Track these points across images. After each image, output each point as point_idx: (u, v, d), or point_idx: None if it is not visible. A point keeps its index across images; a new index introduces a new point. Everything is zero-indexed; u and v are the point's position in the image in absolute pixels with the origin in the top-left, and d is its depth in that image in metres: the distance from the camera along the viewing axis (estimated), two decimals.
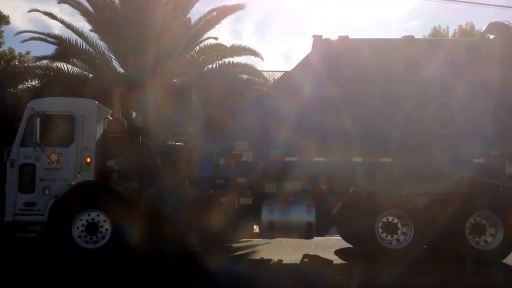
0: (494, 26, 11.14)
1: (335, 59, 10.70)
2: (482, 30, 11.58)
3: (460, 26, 30.17)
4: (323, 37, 10.88)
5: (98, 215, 10.80)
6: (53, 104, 11.37)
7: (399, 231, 10.60)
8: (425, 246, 10.79)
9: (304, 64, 10.87)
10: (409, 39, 10.93)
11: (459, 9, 58.80)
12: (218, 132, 10.80)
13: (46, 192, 10.85)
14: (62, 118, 11.20)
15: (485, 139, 10.44)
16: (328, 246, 12.34)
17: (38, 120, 10.77)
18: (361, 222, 10.56)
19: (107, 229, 10.79)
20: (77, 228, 10.76)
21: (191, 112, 11.41)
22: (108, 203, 10.78)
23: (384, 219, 10.60)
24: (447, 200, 10.45)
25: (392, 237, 10.59)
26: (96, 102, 11.53)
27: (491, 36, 11.23)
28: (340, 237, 12.48)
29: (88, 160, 11.03)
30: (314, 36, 10.88)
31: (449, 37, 28.84)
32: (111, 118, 11.85)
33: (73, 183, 10.91)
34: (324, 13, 56.31)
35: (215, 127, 10.83)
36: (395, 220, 10.61)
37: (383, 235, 10.57)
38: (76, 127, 11.10)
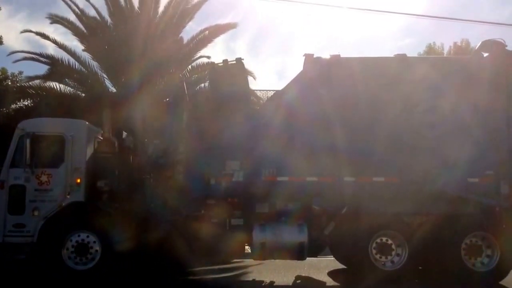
0: (488, 44, 11.05)
1: (327, 78, 10.64)
2: (476, 48, 11.52)
3: (455, 43, 30.26)
4: (314, 56, 10.84)
5: (88, 236, 10.63)
6: (44, 125, 11.30)
7: (393, 252, 10.45)
8: (420, 268, 10.64)
9: (296, 82, 10.82)
10: (401, 58, 10.87)
11: (454, 26, 59.17)
12: (209, 151, 10.68)
13: (36, 213, 10.70)
14: (52, 139, 11.12)
15: (480, 158, 10.33)
16: (321, 267, 12.17)
17: (28, 141, 10.66)
18: (354, 243, 10.44)
19: (97, 250, 10.60)
20: (67, 249, 10.58)
21: (182, 131, 11.30)
22: (98, 224, 10.60)
23: (378, 240, 10.45)
24: (442, 220, 10.32)
25: (386, 258, 10.44)
26: (87, 123, 11.45)
27: (485, 54, 11.17)
28: (334, 258, 12.31)
29: (78, 180, 10.89)
30: (305, 54, 10.85)
31: (444, 54, 28.91)
32: (101, 138, 11.73)
33: (63, 204, 10.77)
34: (318, 30, 56.63)
35: (207, 146, 10.72)
36: (389, 241, 10.47)
37: (377, 256, 10.42)
38: (66, 148, 10.99)
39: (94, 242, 10.61)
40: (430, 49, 30.48)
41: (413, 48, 62.64)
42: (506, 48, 10.92)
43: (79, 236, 10.62)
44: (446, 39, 45.21)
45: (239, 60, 11.11)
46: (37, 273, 10.91)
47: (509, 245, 10.29)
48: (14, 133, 11.05)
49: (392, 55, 11.16)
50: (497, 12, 51.03)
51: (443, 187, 10.28)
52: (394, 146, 10.39)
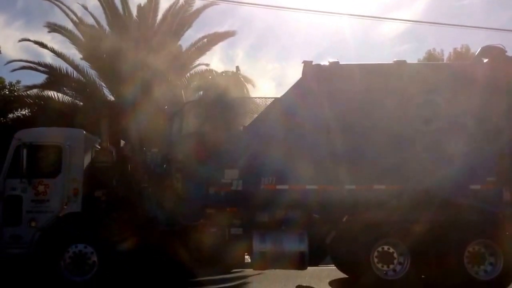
0: (488, 50, 10.97)
1: (326, 85, 10.53)
2: (476, 54, 11.43)
3: (455, 49, 30.11)
4: (313, 63, 10.74)
5: (85, 247, 10.52)
6: (40, 135, 11.23)
7: (395, 261, 10.29)
8: (422, 276, 10.50)
9: (295, 90, 10.70)
10: (400, 64, 10.78)
11: (454, 32, 59.05)
12: (208, 160, 10.56)
13: (33, 224, 10.60)
14: (49, 149, 11.04)
15: (482, 164, 10.22)
16: (322, 276, 11.99)
17: (25, 151, 10.60)
18: (355, 252, 10.28)
19: (94, 261, 10.49)
20: (64, 260, 10.45)
21: (181, 139, 11.18)
22: (95, 235, 10.53)
23: (380, 249, 10.30)
24: (444, 228, 10.16)
25: (388, 267, 10.28)
26: (84, 132, 11.37)
27: (485, 60, 11.07)
28: (335, 267, 12.16)
29: (75, 191, 10.79)
30: (304, 61, 10.74)
31: (444, 60, 28.82)
32: (99, 147, 11.62)
33: (60, 214, 10.66)
34: (316, 37, 56.45)
35: (206, 155, 10.59)
36: (391, 250, 10.31)
37: (379, 265, 10.26)
38: (63, 158, 10.91)
39: (92, 253, 10.50)
40: (430, 55, 30.31)
41: (412, 54, 62.57)
42: (506, 53, 10.84)
43: (76, 247, 10.50)
44: (446, 45, 45.08)
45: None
46: (34, 285, 10.73)
47: None
48: (11, 143, 10.95)
49: (391, 61, 11.06)
50: (496, 18, 50.99)
51: (445, 194, 10.16)
52: (395, 153, 10.27)
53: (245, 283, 11.76)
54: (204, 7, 21.29)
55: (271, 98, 11.30)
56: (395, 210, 10.15)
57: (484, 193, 10.22)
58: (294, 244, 10.27)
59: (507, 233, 10.25)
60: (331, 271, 12.20)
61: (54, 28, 20.30)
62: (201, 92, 19.62)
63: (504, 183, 10.24)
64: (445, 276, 10.21)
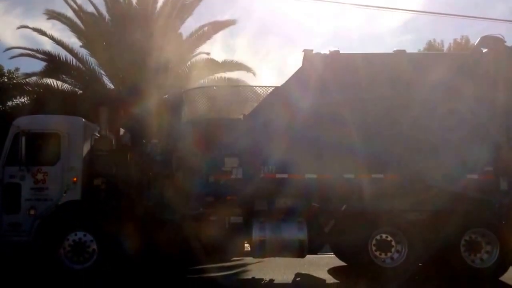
0: (487, 39, 10.98)
1: (326, 74, 10.52)
2: (475, 44, 11.41)
3: (455, 40, 30.09)
4: (313, 52, 10.72)
5: (85, 235, 10.54)
6: (39, 122, 11.22)
7: (393, 249, 10.37)
8: (420, 264, 10.56)
9: (295, 79, 10.69)
10: (400, 53, 10.76)
11: (454, 23, 58.85)
12: (208, 149, 10.56)
13: (32, 212, 10.62)
14: (48, 136, 11.02)
15: (479, 154, 10.25)
16: (321, 264, 12.08)
17: (23, 138, 10.59)
18: (354, 240, 10.33)
19: (94, 249, 10.52)
20: (64, 248, 10.48)
21: (181, 128, 11.19)
22: (95, 223, 10.56)
23: (378, 237, 10.38)
24: (441, 217, 10.23)
25: (386, 255, 10.36)
26: (83, 120, 11.35)
27: (485, 50, 11.06)
28: (334, 255, 12.22)
29: (75, 179, 10.80)
30: (304, 50, 10.73)
31: (444, 51, 28.75)
32: (98, 135, 11.60)
33: (59, 202, 10.67)
34: (317, 27, 56.32)
35: (206, 143, 10.59)
36: (389, 238, 10.39)
37: (377, 253, 10.34)
38: (62, 145, 10.91)
39: (91, 241, 10.54)
40: (430, 46, 30.24)
41: (412, 44, 62.46)
42: (505, 43, 10.83)
43: (76, 235, 10.53)
44: (446, 36, 44.95)
45: None
46: (34, 273, 10.76)
47: (508, 242, 10.22)
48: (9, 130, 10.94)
49: (391, 51, 11.04)
50: (496, 9, 50.83)
51: (443, 183, 10.19)
52: (393, 142, 10.30)
53: (244, 271, 11.83)
54: None
55: (272, 86, 11.26)
56: (393, 199, 10.20)
57: (481, 182, 10.27)
58: (293, 233, 10.31)
59: (504, 222, 10.35)
60: (330, 259, 12.30)
61: (53, 15, 20.14)
62: (202, 81, 19.73)
63: (501, 173, 10.31)
64: (442, 264, 10.33)
